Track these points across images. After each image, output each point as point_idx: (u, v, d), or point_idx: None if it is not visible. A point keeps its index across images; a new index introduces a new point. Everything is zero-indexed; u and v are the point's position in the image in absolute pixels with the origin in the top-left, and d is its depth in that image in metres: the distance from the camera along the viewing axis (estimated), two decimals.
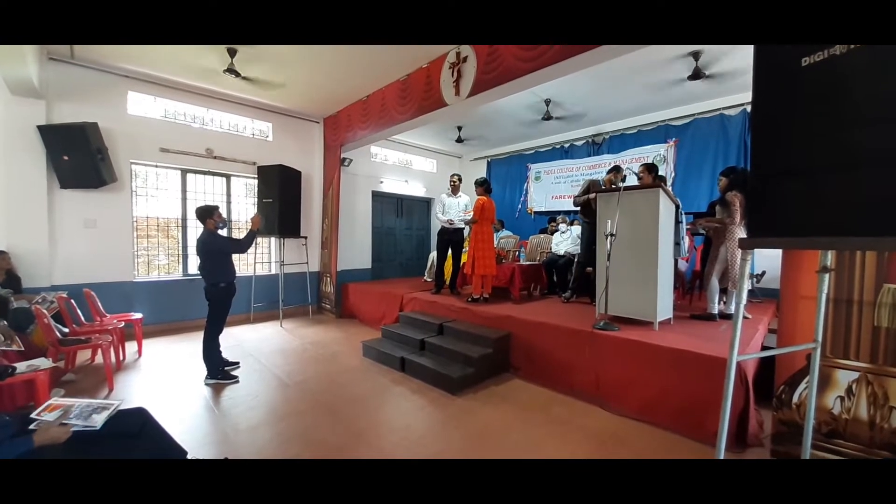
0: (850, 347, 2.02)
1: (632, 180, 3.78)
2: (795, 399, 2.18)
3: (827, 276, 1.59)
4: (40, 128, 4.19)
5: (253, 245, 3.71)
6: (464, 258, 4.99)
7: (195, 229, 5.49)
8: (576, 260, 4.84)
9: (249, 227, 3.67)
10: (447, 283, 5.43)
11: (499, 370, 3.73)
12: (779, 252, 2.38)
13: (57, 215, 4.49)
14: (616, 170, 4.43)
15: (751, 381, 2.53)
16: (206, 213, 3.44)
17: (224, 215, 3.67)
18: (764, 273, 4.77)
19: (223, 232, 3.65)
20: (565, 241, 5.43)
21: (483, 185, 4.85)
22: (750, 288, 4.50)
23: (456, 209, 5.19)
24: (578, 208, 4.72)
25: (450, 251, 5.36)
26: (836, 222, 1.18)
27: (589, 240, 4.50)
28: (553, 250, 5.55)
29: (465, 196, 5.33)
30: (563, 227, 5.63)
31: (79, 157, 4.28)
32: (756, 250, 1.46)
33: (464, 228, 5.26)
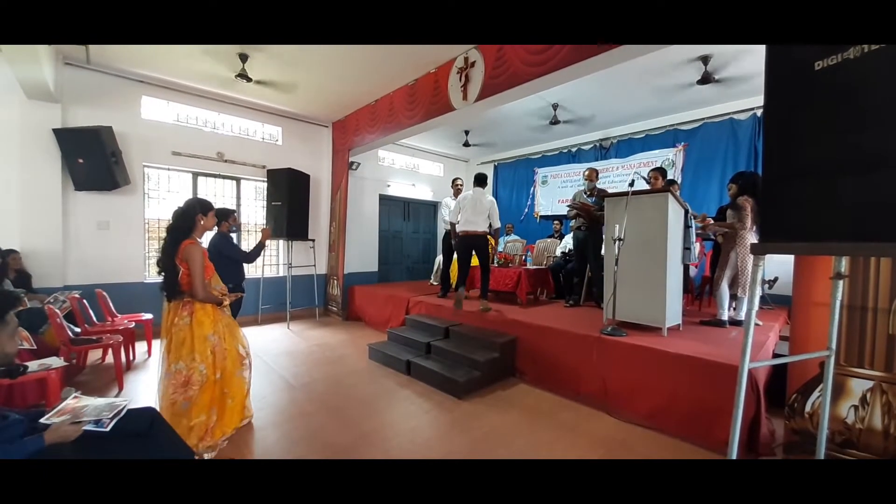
0: (865, 356, 1.98)
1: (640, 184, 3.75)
2: (808, 408, 2.13)
3: (841, 282, 1.57)
4: (56, 131, 4.28)
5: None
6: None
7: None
8: (587, 268, 4.79)
9: (260, 238, 3.77)
10: (453, 286, 5.43)
11: (505, 374, 3.71)
12: (791, 257, 2.34)
13: (71, 217, 4.58)
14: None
15: (762, 388, 2.49)
16: (223, 216, 3.52)
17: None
18: (776, 279, 4.70)
19: (234, 236, 3.71)
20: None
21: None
22: (761, 294, 4.44)
23: None
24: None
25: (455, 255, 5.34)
26: (851, 227, 1.16)
27: (584, 248, 4.59)
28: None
29: None
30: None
31: (93, 160, 4.36)
32: (768, 255, 1.44)
33: None
